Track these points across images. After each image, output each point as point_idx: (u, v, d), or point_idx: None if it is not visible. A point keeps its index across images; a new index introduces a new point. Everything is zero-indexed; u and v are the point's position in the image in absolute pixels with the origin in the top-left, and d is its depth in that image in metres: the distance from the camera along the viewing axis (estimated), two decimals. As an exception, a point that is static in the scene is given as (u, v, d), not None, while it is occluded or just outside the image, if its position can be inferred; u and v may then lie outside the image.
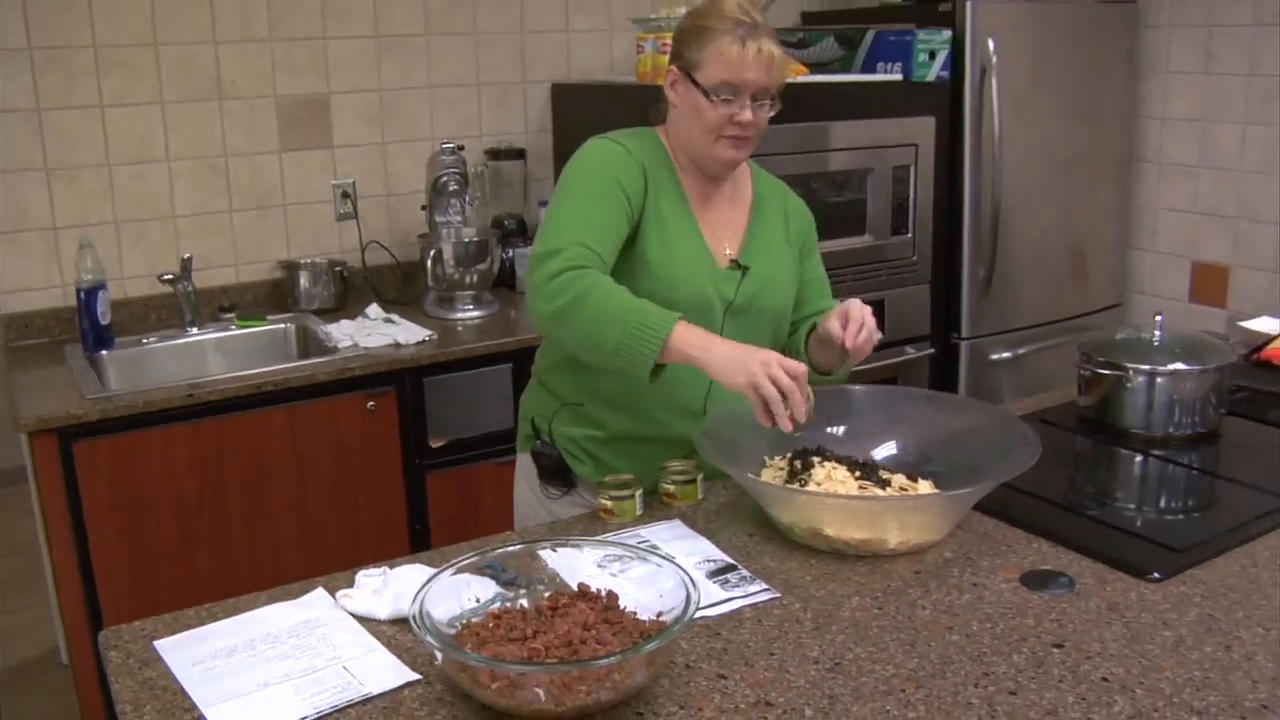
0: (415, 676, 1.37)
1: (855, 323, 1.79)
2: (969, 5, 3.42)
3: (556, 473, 2.02)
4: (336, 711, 1.31)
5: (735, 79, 1.82)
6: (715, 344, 1.69)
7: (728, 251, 1.96)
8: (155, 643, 1.46)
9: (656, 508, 1.85)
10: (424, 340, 2.96)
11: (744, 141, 1.88)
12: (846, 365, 1.95)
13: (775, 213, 2.03)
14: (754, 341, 1.79)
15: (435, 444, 2.94)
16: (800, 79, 3.16)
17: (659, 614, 1.36)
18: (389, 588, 1.54)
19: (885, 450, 1.90)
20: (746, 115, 1.84)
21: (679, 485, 1.85)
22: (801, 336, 2.03)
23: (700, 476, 1.87)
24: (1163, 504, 1.98)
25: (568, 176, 1.90)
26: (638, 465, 1.91)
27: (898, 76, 3.42)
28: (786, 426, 1.63)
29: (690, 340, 1.68)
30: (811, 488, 1.72)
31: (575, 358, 1.91)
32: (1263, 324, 2.68)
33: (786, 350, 2.04)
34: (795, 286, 2.03)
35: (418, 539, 2.95)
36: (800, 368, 1.65)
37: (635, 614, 1.38)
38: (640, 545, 1.61)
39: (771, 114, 1.89)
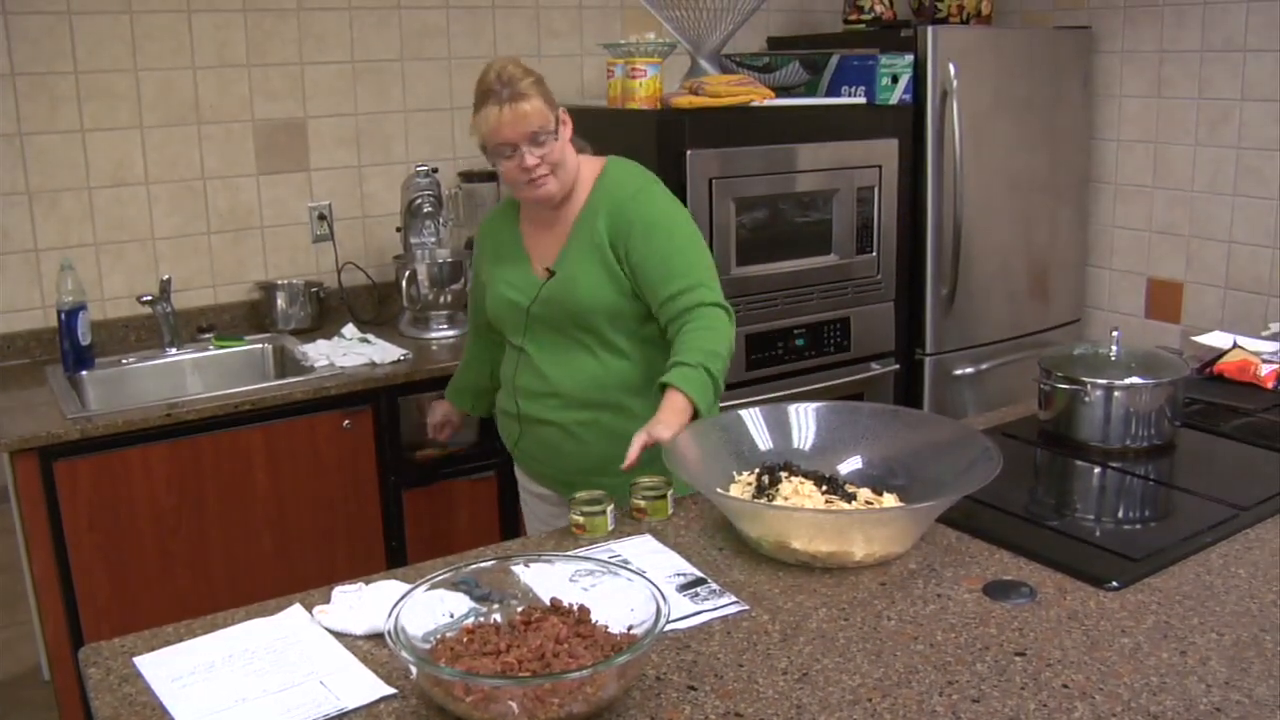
0: (391, 691, 1.38)
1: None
2: (930, 31, 3.46)
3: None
4: (314, 725, 1.32)
5: (500, 140, 2.07)
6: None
7: (546, 265, 2.19)
8: (135, 659, 1.47)
9: (627, 523, 1.86)
10: (399, 359, 2.97)
11: (542, 179, 2.11)
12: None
13: (592, 219, 2.16)
14: (560, 334, 2.18)
15: (416, 455, 2.96)
16: (766, 103, 3.19)
17: (630, 627, 1.38)
18: (365, 603, 1.55)
19: (851, 465, 1.92)
20: (528, 161, 2.08)
21: (649, 501, 1.87)
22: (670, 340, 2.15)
23: (670, 492, 1.89)
24: (1120, 514, 2.00)
25: None
26: (506, 435, 2.37)
27: (861, 100, 3.46)
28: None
29: None
30: (779, 502, 1.74)
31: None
32: (1215, 339, 2.70)
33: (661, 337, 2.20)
34: (606, 280, 2.14)
35: (394, 555, 2.95)
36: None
37: (606, 627, 1.39)
38: (611, 560, 1.62)
39: (556, 140, 2.10)
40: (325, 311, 3.38)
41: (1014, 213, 3.81)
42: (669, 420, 1.93)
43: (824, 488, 1.78)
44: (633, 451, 1.90)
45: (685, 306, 2.08)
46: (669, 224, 2.15)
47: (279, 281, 3.34)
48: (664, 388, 1.99)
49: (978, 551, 1.73)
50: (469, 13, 3.55)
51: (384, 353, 3.01)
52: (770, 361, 3.31)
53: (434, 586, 1.44)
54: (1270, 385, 2.46)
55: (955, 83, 3.47)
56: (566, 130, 2.14)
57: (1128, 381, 2.14)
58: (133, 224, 3.17)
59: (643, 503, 1.87)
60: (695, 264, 2.13)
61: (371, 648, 1.49)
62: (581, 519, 1.82)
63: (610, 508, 1.83)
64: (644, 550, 1.76)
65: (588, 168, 2.21)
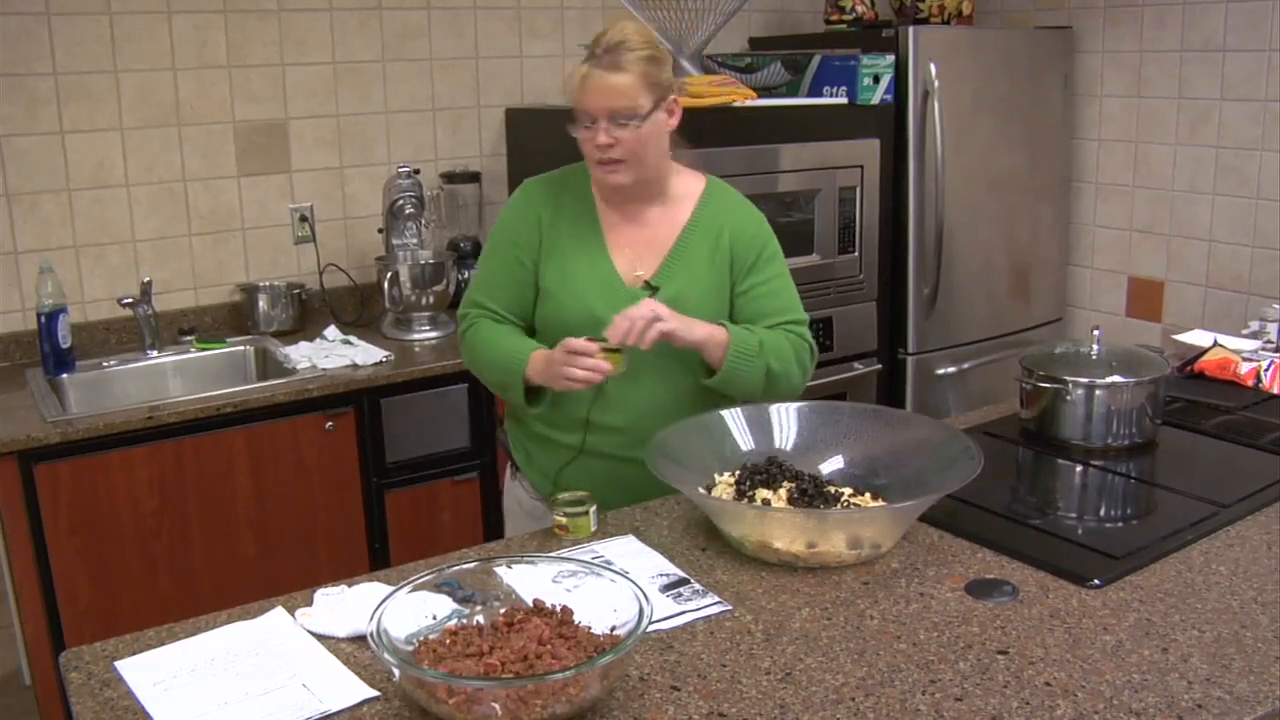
0: (374, 693, 1.38)
1: (621, 319, 1.85)
2: (911, 31, 3.48)
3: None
4: (297, 728, 1.31)
5: (580, 105, 1.91)
6: (540, 367, 1.93)
7: (639, 273, 2.01)
8: (116, 663, 1.46)
9: (611, 524, 1.85)
10: (381, 361, 2.97)
11: (613, 164, 1.92)
12: (721, 372, 1.97)
13: (707, 234, 2.03)
14: (661, 358, 1.93)
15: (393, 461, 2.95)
16: (748, 103, 3.20)
17: (613, 628, 1.38)
18: (348, 606, 1.54)
19: (833, 464, 1.92)
20: (600, 138, 1.89)
21: (571, 518, 1.81)
22: None
23: (593, 509, 1.83)
24: (1102, 513, 2.01)
25: (490, 233, 2.12)
26: (547, 462, 2.10)
27: (843, 100, 3.47)
28: (596, 378, 1.85)
29: (535, 369, 1.94)
30: (760, 503, 1.74)
31: None
32: (1195, 337, 2.71)
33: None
34: (716, 304, 2.03)
35: (377, 557, 2.95)
36: (570, 343, 1.85)
37: (589, 628, 1.39)
38: (594, 561, 1.62)
39: (641, 127, 1.89)
40: (307, 313, 3.37)
41: (995, 212, 3.82)
42: (687, 321, 1.89)
43: (806, 488, 1.77)
44: (634, 311, 1.83)
45: (790, 332, 2.07)
46: (781, 258, 2.10)
47: (260, 283, 3.32)
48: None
49: (960, 550, 1.74)
50: (450, 14, 3.54)
51: (366, 354, 3.00)
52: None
53: (417, 588, 1.43)
54: (1250, 383, 2.47)
55: (936, 83, 3.48)
56: (664, 122, 1.93)
57: (1109, 380, 2.15)
58: (113, 226, 3.16)
59: (564, 519, 1.82)
60: (798, 302, 2.10)
61: (354, 650, 1.48)
62: (564, 520, 1.81)
63: (593, 509, 1.82)
64: (627, 551, 1.75)
65: (689, 181, 2.07)
